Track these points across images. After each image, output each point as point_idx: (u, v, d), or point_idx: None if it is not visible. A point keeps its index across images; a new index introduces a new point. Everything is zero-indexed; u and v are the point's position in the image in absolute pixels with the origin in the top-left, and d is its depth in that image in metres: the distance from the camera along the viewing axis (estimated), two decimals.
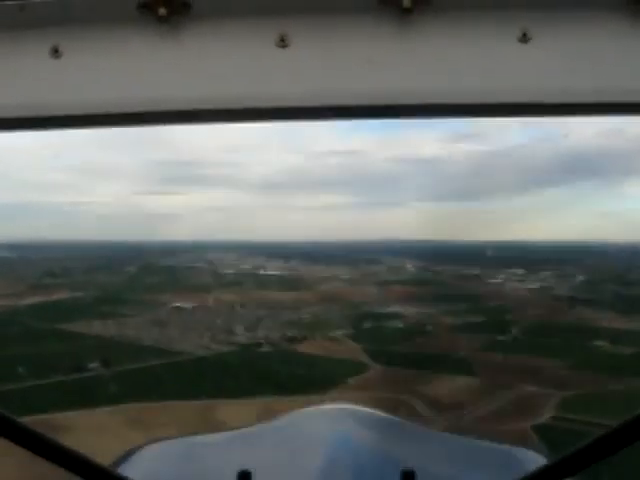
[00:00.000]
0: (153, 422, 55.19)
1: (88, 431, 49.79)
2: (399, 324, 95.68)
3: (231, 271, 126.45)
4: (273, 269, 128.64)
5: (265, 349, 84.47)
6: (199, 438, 4.15)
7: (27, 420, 1.80)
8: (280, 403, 60.18)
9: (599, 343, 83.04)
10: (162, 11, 1.66)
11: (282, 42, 1.71)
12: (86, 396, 62.58)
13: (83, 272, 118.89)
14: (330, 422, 3.73)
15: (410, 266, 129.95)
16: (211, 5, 1.72)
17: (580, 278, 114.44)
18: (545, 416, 61.52)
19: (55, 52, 1.77)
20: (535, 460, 3.38)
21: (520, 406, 63.19)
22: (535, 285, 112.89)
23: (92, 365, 73.25)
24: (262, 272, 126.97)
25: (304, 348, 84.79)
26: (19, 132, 1.99)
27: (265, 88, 1.72)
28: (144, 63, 1.75)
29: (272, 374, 72.17)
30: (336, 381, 70.64)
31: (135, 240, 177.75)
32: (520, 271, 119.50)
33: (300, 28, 1.70)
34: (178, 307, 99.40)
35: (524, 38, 1.64)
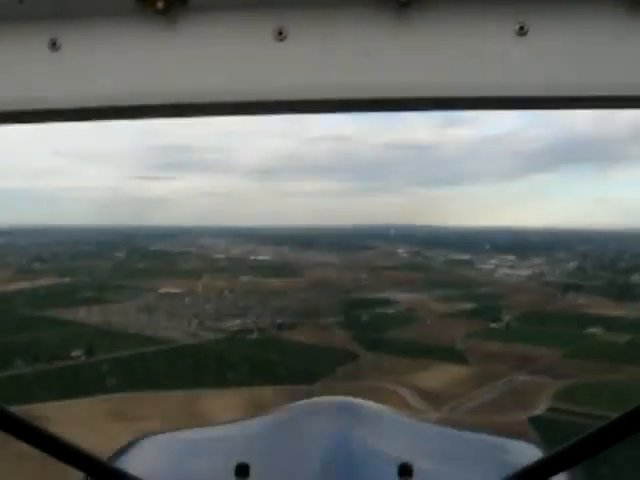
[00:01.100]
0: (136, 413, 52.93)
1: (68, 423, 47.01)
2: (390, 310, 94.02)
3: (222, 256, 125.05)
4: (264, 255, 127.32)
5: (253, 336, 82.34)
6: (197, 431, 4.12)
7: None
8: (267, 393, 58.20)
9: (593, 330, 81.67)
10: (160, 4, 1.67)
11: (280, 35, 1.70)
12: (68, 386, 60.01)
13: (71, 257, 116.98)
14: (328, 415, 3.58)
15: (402, 251, 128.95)
16: None
17: (572, 264, 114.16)
18: (541, 407, 59.16)
19: (53, 45, 1.76)
20: (532, 453, 3.33)
21: (515, 396, 61.03)
22: (527, 271, 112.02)
23: (75, 353, 70.79)
24: (253, 258, 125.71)
25: (293, 336, 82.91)
26: (17, 125, 1.94)
27: (263, 81, 1.72)
28: (142, 56, 1.75)
29: (260, 363, 70.02)
30: (325, 370, 68.47)
31: (126, 225, 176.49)
32: (511, 257, 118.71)
33: (298, 21, 1.70)
34: (166, 293, 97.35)
35: (521, 31, 1.63)
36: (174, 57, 1.73)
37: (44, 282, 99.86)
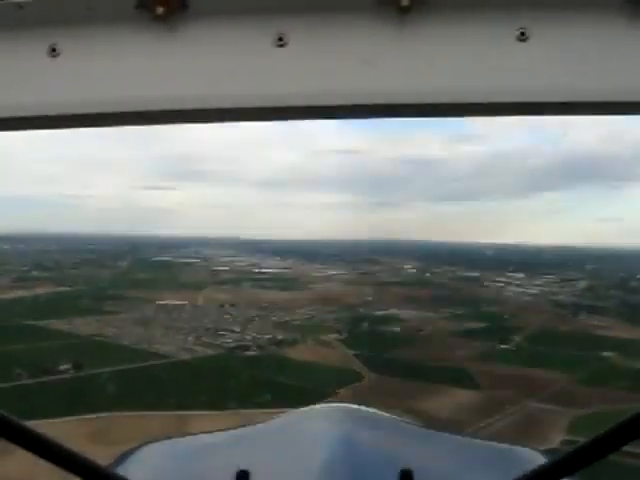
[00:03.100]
0: (118, 435, 48.15)
1: None
2: (396, 328, 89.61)
3: (226, 268, 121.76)
4: (269, 267, 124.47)
5: (252, 353, 77.69)
6: (198, 438, 4.08)
7: None
8: (262, 417, 53.53)
9: (607, 354, 76.68)
10: (160, 10, 1.67)
11: (280, 41, 1.70)
12: (49, 403, 55.43)
13: (72, 266, 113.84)
14: (329, 421, 3.61)
15: (409, 267, 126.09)
16: (209, 4, 1.72)
17: (582, 284, 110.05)
18: (556, 440, 54.03)
19: (53, 51, 1.75)
20: (534, 459, 3.33)
21: (527, 426, 56.04)
22: (536, 290, 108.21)
23: (63, 367, 66.08)
24: (257, 270, 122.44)
25: (294, 353, 78.30)
26: (16, 132, 1.93)
27: (263, 87, 1.72)
28: (142, 62, 1.74)
29: (257, 382, 65.48)
30: (326, 391, 63.46)
31: (131, 234, 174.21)
32: (520, 275, 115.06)
33: (298, 27, 1.70)
34: (165, 305, 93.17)
35: (522, 37, 1.64)
36: (174, 63, 1.73)
37: (41, 291, 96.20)
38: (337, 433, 3.30)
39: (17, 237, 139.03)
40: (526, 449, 3.64)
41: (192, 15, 1.69)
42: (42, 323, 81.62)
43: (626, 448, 1.65)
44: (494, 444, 3.83)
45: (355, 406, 3.92)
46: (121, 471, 2.88)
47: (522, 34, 1.62)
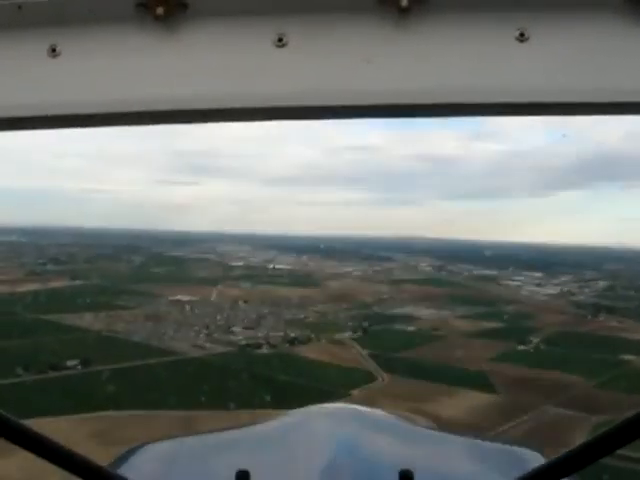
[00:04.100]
0: (123, 436, 46.11)
1: None
2: (411, 327, 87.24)
3: (240, 264, 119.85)
4: (283, 263, 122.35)
5: (264, 351, 75.56)
6: (198, 438, 4.05)
7: None
8: (272, 417, 51.39)
9: (628, 357, 74.05)
10: (159, 10, 1.67)
11: (280, 41, 1.70)
12: (54, 401, 53.63)
13: (87, 260, 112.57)
14: (330, 422, 3.65)
15: (425, 265, 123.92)
16: (209, 4, 1.72)
17: (601, 284, 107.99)
18: None
19: (53, 51, 1.75)
20: (535, 459, 3.32)
21: (546, 433, 53.19)
22: (554, 290, 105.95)
23: (71, 363, 64.21)
24: (271, 266, 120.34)
25: (306, 351, 76.04)
26: (16, 132, 1.92)
27: (262, 87, 1.71)
28: (142, 62, 1.74)
29: (267, 381, 63.41)
30: (339, 392, 61.34)
31: (148, 229, 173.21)
32: (538, 274, 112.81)
33: (298, 27, 1.70)
34: (178, 300, 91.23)
35: (522, 37, 1.63)
36: (174, 63, 1.72)
37: (55, 284, 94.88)
38: (337, 433, 3.29)
39: (36, 230, 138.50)
40: (526, 449, 3.59)
41: (192, 15, 1.69)
42: (53, 317, 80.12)
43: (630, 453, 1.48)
44: (494, 444, 3.85)
45: (355, 406, 3.91)
46: (121, 471, 2.83)
47: (521, 35, 1.62)
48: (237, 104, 1.70)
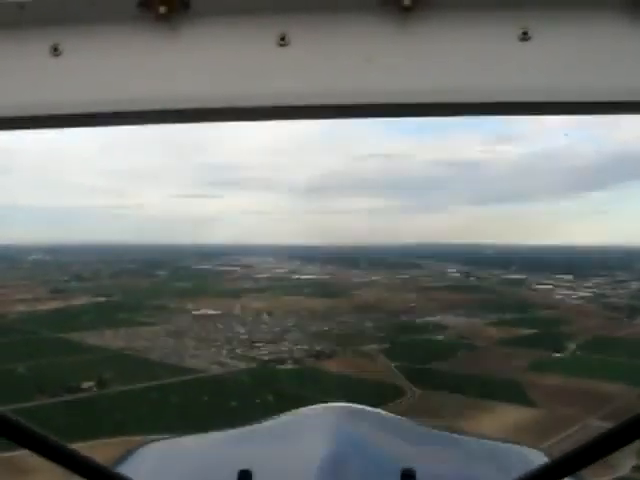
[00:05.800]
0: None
1: (45, 476, 37.19)
2: (440, 337, 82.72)
3: (265, 275, 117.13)
4: (308, 273, 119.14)
5: (287, 366, 71.61)
6: (199, 437, 4.00)
7: None
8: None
9: None
10: (162, 9, 1.66)
11: (282, 41, 1.69)
12: (66, 426, 49.95)
13: (111, 276, 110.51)
14: (331, 421, 3.54)
15: (452, 271, 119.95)
16: (211, 4, 1.71)
17: (635, 285, 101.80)
18: (625, 465, 46.74)
19: (55, 50, 1.74)
20: (536, 458, 3.35)
21: None
22: (587, 293, 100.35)
23: (86, 385, 60.84)
24: (297, 277, 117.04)
25: (332, 366, 71.76)
26: (18, 131, 1.92)
27: (265, 87, 1.71)
28: (144, 62, 1.73)
29: (290, 399, 59.25)
30: None
31: (173, 243, 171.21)
32: (569, 277, 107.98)
33: (300, 27, 1.69)
34: (201, 315, 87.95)
35: (524, 36, 1.63)
36: (176, 63, 1.71)
37: (77, 302, 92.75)
38: (339, 432, 3.26)
39: (60, 248, 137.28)
40: (527, 449, 3.59)
41: (194, 15, 1.67)
42: (73, 336, 77.33)
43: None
44: (495, 443, 3.79)
45: (356, 405, 3.84)
46: (123, 470, 2.80)
47: (524, 34, 1.61)
48: (239, 103, 1.69)
